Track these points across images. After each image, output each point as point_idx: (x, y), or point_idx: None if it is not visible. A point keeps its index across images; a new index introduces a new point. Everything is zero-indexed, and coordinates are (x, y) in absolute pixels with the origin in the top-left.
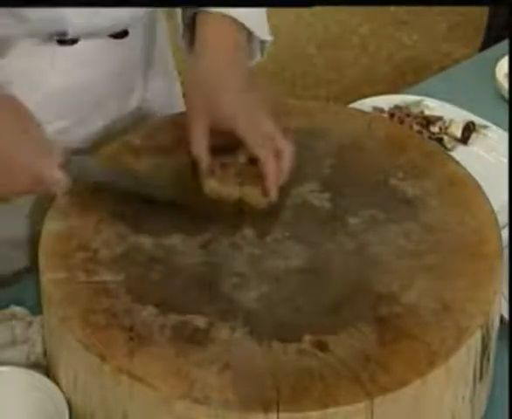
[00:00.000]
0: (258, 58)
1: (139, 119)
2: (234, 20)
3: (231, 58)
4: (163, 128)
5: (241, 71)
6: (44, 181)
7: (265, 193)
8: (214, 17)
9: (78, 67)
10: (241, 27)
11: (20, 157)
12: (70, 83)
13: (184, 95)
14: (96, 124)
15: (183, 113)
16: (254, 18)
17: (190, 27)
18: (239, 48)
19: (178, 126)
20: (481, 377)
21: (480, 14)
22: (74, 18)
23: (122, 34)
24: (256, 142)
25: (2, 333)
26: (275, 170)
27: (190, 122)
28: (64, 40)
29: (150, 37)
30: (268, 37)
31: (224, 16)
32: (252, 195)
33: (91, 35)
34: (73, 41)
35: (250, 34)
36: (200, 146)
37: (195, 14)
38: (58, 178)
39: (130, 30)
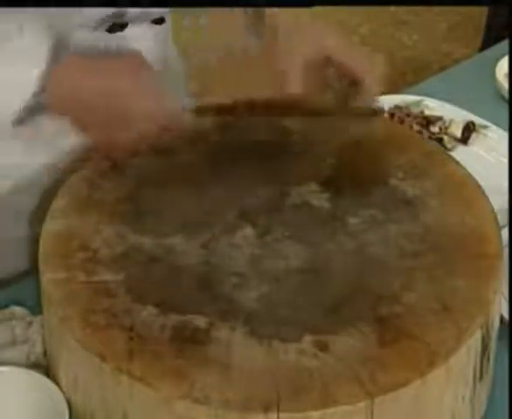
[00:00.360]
0: None
1: None
2: None
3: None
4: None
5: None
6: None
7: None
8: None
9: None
10: None
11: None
12: None
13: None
14: None
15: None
16: None
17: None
18: None
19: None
20: (481, 377)
21: (480, 14)
22: None
23: (161, 20)
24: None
25: (2, 333)
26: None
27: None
28: (113, 29)
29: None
30: None
31: None
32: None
33: (139, 18)
34: (122, 27)
35: None
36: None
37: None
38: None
39: (166, 18)
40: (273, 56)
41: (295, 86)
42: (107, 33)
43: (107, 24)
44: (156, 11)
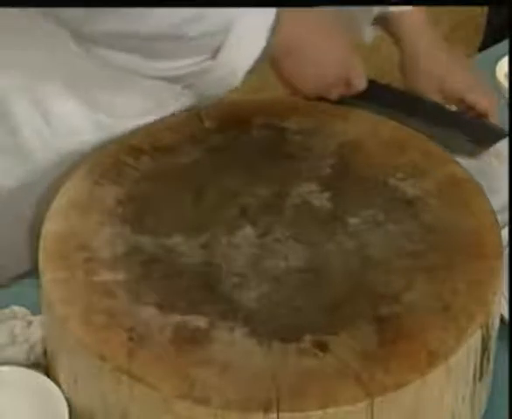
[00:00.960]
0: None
1: None
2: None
3: None
4: (164, 128)
5: None
6: (351, 74)
7: None
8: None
9: None
10: None
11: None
12: None
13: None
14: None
15: (182, 113)
16: None
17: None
18: None
19: (179, 126)
20: (481, 377)
21: (480, 14)
22: None
23: None
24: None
25: (2, 333)
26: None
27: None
28: None
29: None
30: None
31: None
32: None
33: None
34: None
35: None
36: None
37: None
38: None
39: None
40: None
41: None
42: None
43: None
44: None
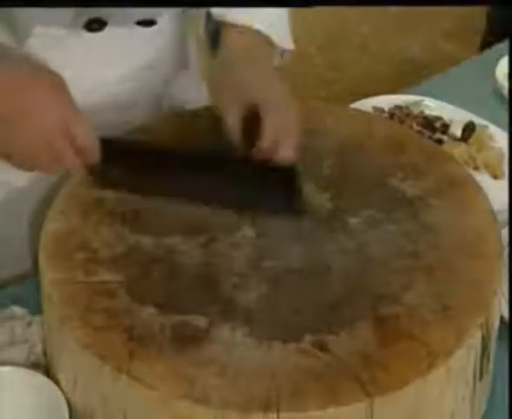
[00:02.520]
0: (277, 63)
1: None
2: (258, 32)
3: (256, 63)
4: (162, 126)
5: (269, 70)
6: (75, 131)
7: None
8: (239, 32)
9: (106, 59)
10: (265, 39)
11: (55, 102)
12: (102, 75)
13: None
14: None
15: (182, 110)
16: (277, 28)
17: (214, 37)
18: (264, 58)
19: (178, 123)
20: (481, 377)
21: (480, 14)
22: None
23: (150, 23)
24: (273, 127)
25: (2, 333)
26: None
27: (225, 114)
28: (91, 26)
29: (181, 34)
30: (291, 46)
31: (249, 29)
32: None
33: (118, 15)
34: (100, 26)
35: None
36: (235, 131)
37: (219, 26)
38: (90, 136)
39: (158, 21)
40: (221, 90)
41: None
42: (84, 32)
43: (83, 20)
44: (140, 12)
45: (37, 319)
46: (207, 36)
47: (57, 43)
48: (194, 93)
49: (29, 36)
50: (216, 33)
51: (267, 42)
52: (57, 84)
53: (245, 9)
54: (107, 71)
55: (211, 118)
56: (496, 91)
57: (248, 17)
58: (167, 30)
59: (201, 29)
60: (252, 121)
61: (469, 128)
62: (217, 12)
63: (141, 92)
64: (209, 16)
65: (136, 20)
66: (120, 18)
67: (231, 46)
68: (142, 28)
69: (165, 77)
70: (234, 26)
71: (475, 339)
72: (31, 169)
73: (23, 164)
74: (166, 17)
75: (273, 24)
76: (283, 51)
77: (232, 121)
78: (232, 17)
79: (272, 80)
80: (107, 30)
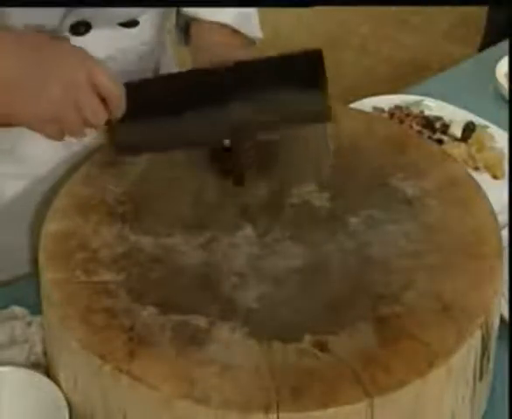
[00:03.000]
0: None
1: None
2: (226, 26)
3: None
4: None
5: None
6: (99, 81)
7: None
8: (208, 27)
9: None
10: (233, 31)
11: (72, 49)
12: None
13: None
14: None
15: None
16: (245, 19)
17: (185, 31)
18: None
19: None
20: (481, 377)
21: (480, 14)
22: None
23: (133, 24)
24: None
25: (2, 333)
26: None
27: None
28: (77, 30)
29: (160, 36)
30: (259, 35)
31: (217, 23)
32: None
33: (102, 18)
34: (86, 29)
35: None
36: None
37: (188, 21)
38: (115, 83)
39: (140, 21)
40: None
41: None
42: (71, 36)
43: (69, 23)
44: (123, 14)
45: (37, 319)
46: (178, 31)
47: None
48: None
49: None
50: (186, 28)
51: (236, 34)
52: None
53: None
54: None
55: None
56: (496, 91)
57: (216, 11)
58: (147, 29)
59: (172, 23)
60: None
61: (469, 128)
62: (187, 10)
63: None
64: (178, 12)
65: (120, 21)
66: (104, 20)
67: (200, 42)
68: (126, 29)
69: (148, 73)
70: (203, 21)
71: (475, 339)
72: (56, 131)
73: (50, 121)
74: (147, 17)
75: (240, 15)
76: (252, 41)
77: None
78: (201, 13)
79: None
80: (91, 32)
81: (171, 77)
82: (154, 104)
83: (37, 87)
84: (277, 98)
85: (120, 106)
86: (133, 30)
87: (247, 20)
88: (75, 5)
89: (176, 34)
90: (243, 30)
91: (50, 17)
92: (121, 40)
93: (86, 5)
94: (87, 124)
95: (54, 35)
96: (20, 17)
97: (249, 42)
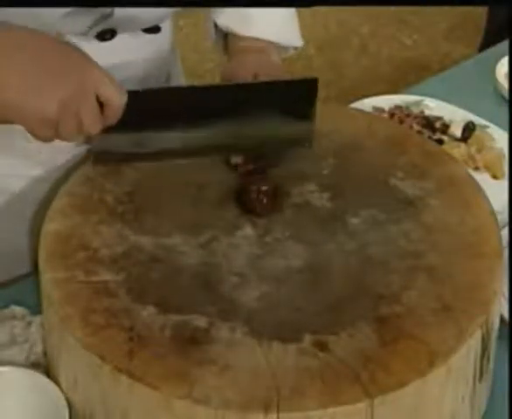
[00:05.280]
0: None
1: None
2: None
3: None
4: None
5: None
6: (103, 87)
7: None
8: (245, 43)
9: (116, 65)
10: (271, 44)
11: (78, 54)
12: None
13: None
14: None
15: None
16: (284, 31)
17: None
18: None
19: None
20: (481, 377)
21: (480, 14)
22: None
23: (156, 29)
24: None
25: (2, 333)
26: None
27: None
28: (103, 36)
29: (172, 37)
30: (299, 43)
31: (257, 40)
32: None
33: (129, 26)
34: (112, 35)
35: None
36: None
37: (226, 35)
38: (118, 90)
39: (162, 27)
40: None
41: None
42: (97, 41)
43: (96, 30)
44: (148, 20)
45: (37, 319)
46: (217, 44)
47: None
48: None
49: None
50: (225, 41)
51: (274, 46)
52: (77, 48)
53: (248, 18)
54: (116, 75)
55: None
56: (496, 91)
57: (254, 27)
58: (167, 35)
59: (212, 36)
60: None
61: (469, 128)
62: (223, 24)
63: None
64: (216, 25)
65: (143, 27)
66: (128, 27)
67: (238, 57)
68: (149, 35)
69: (165, 80)
70: (239, 37)
71: (475, 339)
72: (51, 134)
73: (48, 124)
74: (166, 24)
75: (280, 27)
76: (292, 48)
77: None
78: (235, 28)
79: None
80: (116, 38)
81: (170, 90)
82: (143, 116)
83: (39, 91)
84: (262, 122)
85: (116, 115)
86: (156, 36)
87: (286, 32)
88: (83, 5)
89: (216, 43)
90: (283, 42)
91: (81, 24)
92: (144, 46)
93: (95, 5)
94: (83, 131)
95: (82, 39)
96: (51, 24)
97: (288, 49)
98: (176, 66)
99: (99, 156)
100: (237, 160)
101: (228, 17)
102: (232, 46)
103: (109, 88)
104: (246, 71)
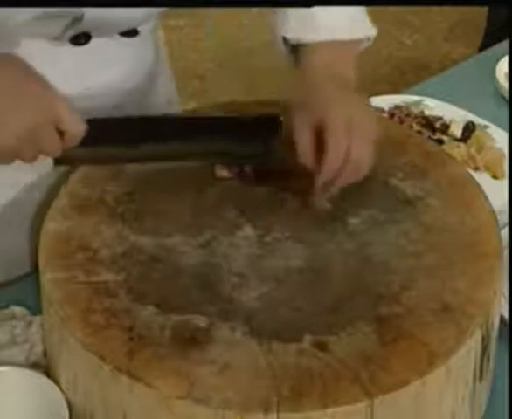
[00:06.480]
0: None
1: None
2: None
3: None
4: None
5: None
6: (61, 117)
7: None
8: (318, 48)
9: (92, 70)
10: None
11: (34, 86)
12: (87, 86)
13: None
14: None
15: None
16: (355, 26)
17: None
18: (344, 72)
19: None
20: (481, 377)
21: (480, 14)
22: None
23: (133, 33)
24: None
25: (2, 333)
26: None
27: (298, 135)
28: (77, 40)
29: (155, 40)
30: (373, 33)
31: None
32: None
33: (103, 30)
34: (86, 39)
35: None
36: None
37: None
38: (77, 119)
39: (140, 30)
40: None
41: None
42: (71, 46)
43: (70, 34)
44: (122, 23)
45: (37, 319)
46: (288, 57)
47: (42, 54)
48: (173, 93)
49: (16, 46)
50: (295, 52)
51: (348, 43)
52: (28, 66)
53: (314, 23)
54: (92, 80)
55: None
56: (496, 91)
57: (322, 30)
58: (149, 38)
59: (280, 48)
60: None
61: (469, 128)
62: (293, 37)
63: (126, 98)
64: (285, 39)
65: (119, 31)
66: (103, 30)
67: (311, 66)
68: (126, 38)
69: (148, 83)
70: (308, 44)
71: (475, 339)
72: (10, 159)
73: (6, 153)
74: (146, 27)
75: (350, 22)
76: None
77: (303, 145)
78: (305, 39)
79: (351, 99)
80: (91, 42)
81: (130, 120)
82: (100, 142)
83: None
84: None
85: (75, 142)
86: (133, 40)
87: (358, 26)
88: (71, 5)
89: (286, 57)
90: (357, 36)
91: (52, 28)
92: (121, 50)
93: (82, 5)
94: (42, 153)
95: (55, 43)
96: (23, 27)
97: (362, 42)
98: (162, 71)
99: (59, 160)
100: (222, 173)
101: (296, 29)
102: (305, 60)
103: (67, 118)
104: (313, 98)
